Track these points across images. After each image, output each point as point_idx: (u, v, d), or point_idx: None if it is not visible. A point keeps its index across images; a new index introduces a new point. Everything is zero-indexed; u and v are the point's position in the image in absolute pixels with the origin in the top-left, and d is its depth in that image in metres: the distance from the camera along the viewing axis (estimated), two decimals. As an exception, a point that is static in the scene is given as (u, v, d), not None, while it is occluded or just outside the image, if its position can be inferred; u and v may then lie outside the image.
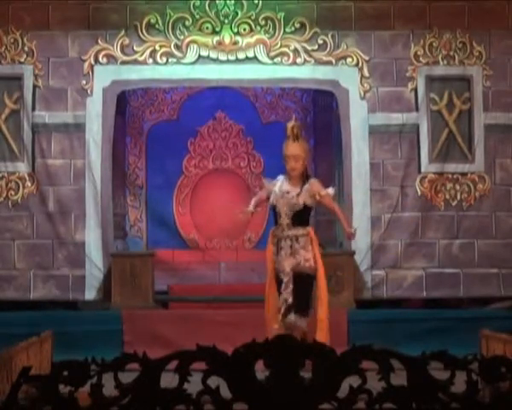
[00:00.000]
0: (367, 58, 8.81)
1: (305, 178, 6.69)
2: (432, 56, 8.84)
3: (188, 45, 8.80)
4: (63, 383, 3.04)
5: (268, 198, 6.76)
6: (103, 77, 8.75)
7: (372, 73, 8.82)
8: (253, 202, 6.86)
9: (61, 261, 8.67)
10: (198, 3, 8.82)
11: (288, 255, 6.53)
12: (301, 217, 6.62)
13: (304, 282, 6.55)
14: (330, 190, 6.73)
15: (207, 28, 8.82)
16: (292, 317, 6.48)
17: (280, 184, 6.64)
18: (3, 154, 8.73)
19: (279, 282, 6.60)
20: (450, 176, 8.83)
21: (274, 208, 6.65)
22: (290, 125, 6.69)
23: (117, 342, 7.85)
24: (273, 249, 6.63)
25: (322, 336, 6.36)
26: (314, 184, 6.69)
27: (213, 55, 8.81)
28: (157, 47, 8.79)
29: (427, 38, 8.83)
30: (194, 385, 3.07)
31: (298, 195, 6.56)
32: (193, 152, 10.46)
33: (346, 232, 6.81)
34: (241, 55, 8.81)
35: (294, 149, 6.63)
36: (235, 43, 8.80)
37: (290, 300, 6.46)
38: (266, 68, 8.83)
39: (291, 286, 6.48)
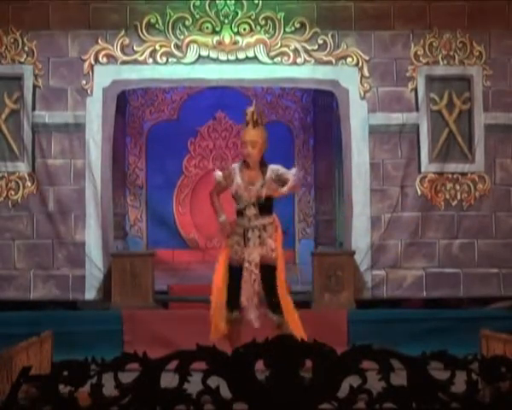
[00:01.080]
0: (367, 58, 8.81)
1: (263, 166, 6.60)
2: (432, 56, 8.84)
3: (188, 45, 8.80)
4: (63, 383, 3.04)
5: (223, 190, 6.66)
6: (103, 77, 8.75)
7: (372, 72, 8.82)
8: (218, 209, 6.71)
9: (61, 261, 8.67)
10: (198, 3, 8.82)
11: (256, 245, 6.47)
12: (267, 206, 6.57)
13: (270, 274, 6.48)
14: (293, 171, 6.68)
15: (207, 28, 8.82)
16: (273, 316, 6.45)
17: (239, 174, 6.53)
18: (3, 154, 8.72)
19: (236, 274, 6.48)
20: (450, 176, 8.83)
21: (238, 199, 6.53)
22: (250, 110, 6.64)
23: (117, 342, 7.85)
24: (237, 240, 6.53)
25: (295, 327, 6.35)
26: (274, 170, 6.60)
27: (213, 55, 8.81)
28: (157, 47, 8.79)
29: (427, 38, 8.83)
30: (194, 385, 3.07)
31: (262, 186, 6.50)
32: (193, 152, 10.47)
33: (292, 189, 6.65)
34: (241, 55, 8.81)
35: (252, 135, 6.57)
36: (235, 43, 8.80)
37: (252, 295, 6.40)
38: (266, 68, 8.83)
39: (254, 277, 6.41)
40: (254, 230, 6.48)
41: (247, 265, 6.45)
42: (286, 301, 6.55)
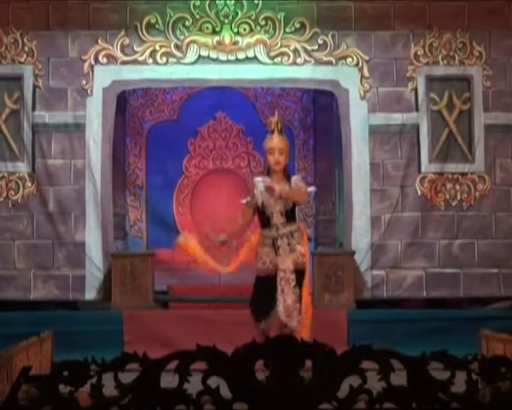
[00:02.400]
0: (367, 58, 8.81)
1: (286, 174, 6.60)
2: (432, 56, 8.84)
3: (188, 45, 8.80)
4: (63, 383, 3.05)
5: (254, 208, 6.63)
6: (103, 77, 8.76)
7: (372, 73, 8.82)
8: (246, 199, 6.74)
9: (61, 261, 8.67)
10: (198, 3, 8.82)
11: (287, 253, 6.46)
12: (292, 213, 6.58)
13: (299, 279, 6.48)
14: (310, 189, 6.75)
15: (207, 28, 8.82)
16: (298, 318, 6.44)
17: (263, 184, 6.49)
18: (3, 154, 8.73)
19: (263, 284, 6.48)
20: (450, 176, 8.83)
21: (263, 210, 6.52)
22: (275, 119, 6.59)
23: (117, 342, 7.85)
24: (267, 251, 6.52)
25: (305, 331, 6.34)
26: (298, 179, 6.63)
27: (213, 55, 8.81)
28: (157, 47, 8.79)
29: (427, 38, 8.83)
30: (194, 385, 3.07)
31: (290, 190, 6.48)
32: (193, 152, 10.46)
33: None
34: (241, 55, 8.81)
35: (280, 142, 6.52)
36: (235, 43, 8.81)
37: (296, 299, 6.39)
38: (266, 68, 8.83)
39: (293, 283, 6.41)
40: (283, 238, 6.48)
41: (282, 274, 6.40)
42: (307, 302, 6.55)
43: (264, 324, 6.44)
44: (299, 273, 6.47)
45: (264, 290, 6.46)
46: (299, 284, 6.45)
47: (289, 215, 6.52)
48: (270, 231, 6.50)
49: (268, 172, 6.60)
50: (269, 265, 6.47)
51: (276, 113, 6.79)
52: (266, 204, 6.48)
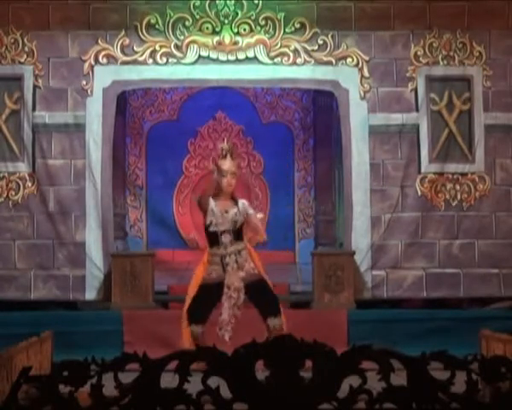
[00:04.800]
0: (367, 58, 8.81)
1: (233, 197, 6.86)
2: (432, 56, 8.84)
3: (188, 45, 8.80)
4: (63, 383, 3.04)
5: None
6: (103, 77, 8.76)
7: (372, 73, 8.82)
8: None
9: (61, 261, 8.67)
10: (198, 3, 8.82)
11: (235, 270, 6.69)
12: (240, 232, 6.79)
13: (261, 286, 6.69)
14: (260, 215, 7.02)
15: (207, 28, 8.82)
16: (274, 321, 6.55)
17: (213, 203, 6.73)
18: (4, 154, 8.73)
19: (206, 291, 6.66)
20: (450, 176, 8.83)
21: (214, 227, 6.71)
22: (226, 146, 6.89)
23: (117, 342, 7.85)
24: (215, 268, 6.71)
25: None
26: (245, 203, 6.90)
27: (213, 55, 8.81)
28: (157, 47, 8.79)
29: (427, 38, 8.83)
30: (194, 385, 3.07)
31: (236, 213, 6.73)
32: (193, 152, 10.47)
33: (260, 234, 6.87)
34: (241, 56, 8.81)
35: (233, 166, 6.80)
36: (235, 43, 8.80)
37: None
38: (266, 68, 8.83)
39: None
40: (231, 255, 6.71)
41: (226, 290, 6.67)
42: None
43: (195, 327, 6.63)
44: (256, 282, 6.66)
45: (205, 298, 6.70)
46: (260, 290, 6.66)
47: (236, 234, 6.75)
48: (218, 249, 6.73)
49: (216, 192, 6.80)
50: (215, 277, 6.71)
51: (226, 139, 6.96)
52: (215, 223, 6.65)
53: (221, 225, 6.69)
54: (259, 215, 7.02)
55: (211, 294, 6.69)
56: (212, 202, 6.74)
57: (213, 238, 6.75)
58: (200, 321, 6.64)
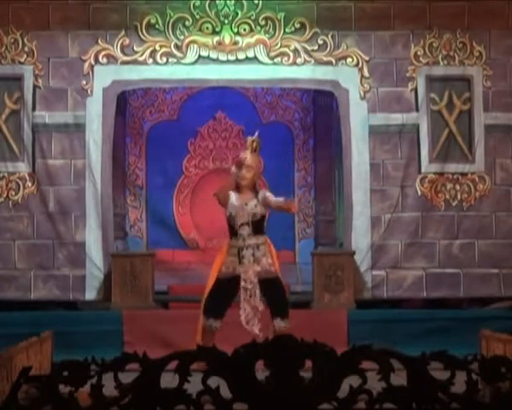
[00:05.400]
0: (367, 58, 8.81)
1: (254, 191, 6.76)
2: (432, 56, 8.84)
3: (188, 45, 8.80)
4: (63, 383, 3.04)
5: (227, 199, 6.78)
6: (103, 77, 8.76)
7: (372, 73, 8.82)
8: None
9: (61, 261, 8.67)
10: (198, 3, 8.82)
11: (251, 263, 6.62)
12: (260, 226, 6.74)
13: (275, 284, 6.63)
14: (281, 199, 6.83)
15: (207, 28, 8.82)
16: (280, 323, 6.52)
17: (234, 196, 6.69)
18: (4, 154, 8.73)
19: (222, 285, 6.62)
20: (450, 176, 8.84)
21: (232, 220, 6.68)
22: (251, 138, 6.79)
23: (117, 342, 7.85)
24: (232, 260, 6.66)
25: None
26: (265, 192, 6.81)
27: (213, 55, 8.81)
28: (157, 47, 8.79)
29: (427, 38, 8.83)
30: (194, 385, 3.07)
31: (256, 205, 6.66)
32: (193, 152, 10.46)
33: (289, 205, 6.77)
34: (241, 56, 8.81)
35: (249, 160, 6.71)
36: (235, 43, 8.81)
37: (261, 307, 6.53)
38: (266, 68, 8.83)
39: (258, 293, 6.54)
40: (248, 248, 6.66)
41: (243, 283, 6.60)
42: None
43: (213, 321, 6.56)
44: (270, 281, 6.60)
45: (222, 291, 6.63)
46: (273, 290, 6.59)
47: (256, 227, 6.68)
48: (236, 241, 6.67)
49: (237, 185, 6.74)
50: (231, 271, 6.64)
51: (257, 134, 6.85)
52: (234, 215, 6.63)
53: (240, 217, 6.63)
54: (281, 199, 6.78)
55: (227, 288, 6.62)
56: (233, 195, 6.69)
57: (233, 230, 6.70)
58: (217, 316, 6.58)
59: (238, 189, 6.75)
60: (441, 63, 8.85)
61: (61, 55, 8.77)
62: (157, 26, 8.80)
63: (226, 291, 6.64)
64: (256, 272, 6.59)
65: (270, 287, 6.61)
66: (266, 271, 6.62)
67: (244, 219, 6.64)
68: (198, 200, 10.39)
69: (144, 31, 8.78)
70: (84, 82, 8.75)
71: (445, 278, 8.72)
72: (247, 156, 6.71)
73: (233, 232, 6.70)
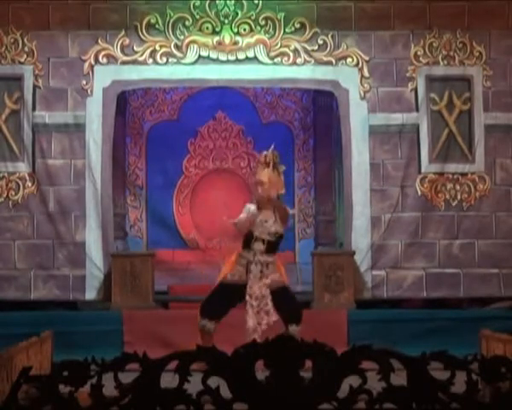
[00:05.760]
0: (367, 58, 8.81)
1: (273, 206, 6.75)
2: (432, 56, 8.84)
3: (188, 45, 8.81)
4: (63, 383, 3.04)
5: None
6: (103, 77, 8.76)
7: (372, 73, 8.82)
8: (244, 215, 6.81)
9: (61, 261, 8.68)
10: (198, 3, 8.82)
11: (257, 279, 6.64)
12: (275, 245, 6.76)
13: (285, 294, 6.67)
14: (292, 211, 6.98)
15: (207, 28, 8.82)
16: (295, 328, 6.52)
17: (255, 210, 6.69)
18: (4, 154, 8.73)
19: (225, 289, 6.65)
20: (450, 176, 8.84)
21: (250, 233, 6.68)
22: (264, 153, 6.80)
23: (117, 342, 7.85)
24: (239, 269, 6.67)
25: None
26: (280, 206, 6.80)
27: (213, 55, 8.81)
28: (157, 47, 8.79)
29: (427, 38, 8.83)
30: (194, 385, 3.07)
31: (274, 222, 6.67)
32: (193, 152, 10.47)
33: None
34: (241, 56, 8.81)
35: (261, 175, 6.73)
36: (235, 43, 8.81)
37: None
38: (266, 68, 8.83)
39: (270, 304, 6.56)
40: (257, 264, 6.66)
41: (247, 298, 6.64)
42: None
43: (207, 322, 6.60)
44: (284, 290, 6.65)
45: (223, 295, 6.68)
46: (284, 298, 6.62)
47: (271, 247, 6.69)
48: (248, 253, 6.69)
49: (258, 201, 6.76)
50: (237, 279, 6.67)
51: (272, 147, 6.82)
52: (255, 230, 6.65)
53: (257, 232, 6.64)
54: (292, 211, 6.94)
55: (229, 294, 6.65)
56: (255, 209, 6.69)
57: (247, 241, 6.71)
58: (212, 317, 6.60)
59: (259, 202, 6.75)
60: (441, 63, 8.86)
61: (61, 55, 8.77)
62: (157, 26, 8.80)
63: (228, 297, 6.65)
64: (267, 285, 6.59)
65: (281, 296, 6.62)
66: (275, 281, 6.64)
67: (261, 235, 6.65)
68: (198, 200, 10.40)
69: (144, 31, 8.78)
70: (84, 82, 8.75)
71: (445, 278, 8.72)
72: (259, 172, 6.73)
73: (246, 244, 6.71)
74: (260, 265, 6.64)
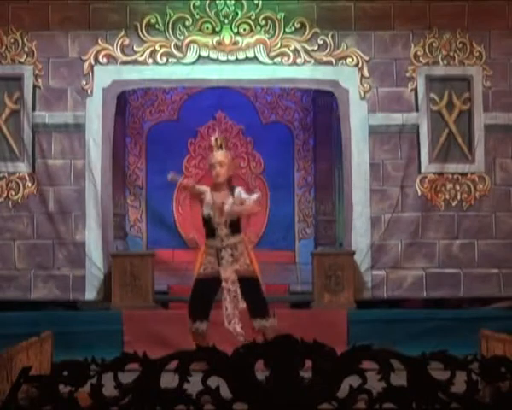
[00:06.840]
0: (367, 58, 8.81)
1: (230, 187, 6.74)
2: (432, 56, 8.84)
3: (188, 45, 8.80)
4: (63, 383, 3.04)
5: (201, 196, 6.76)
6: (103, 77, 8.76)
7: (372, 73, 8.82)
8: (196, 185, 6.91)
9: (61, 261, 8.67)
10: (198, 3, 8.82)
11: (229, 263, 6.62)
12: (237, 225, 6.73)
13: (251, 285, 6.64)
14: (255, 196, 6.82)
15: (207, 28, 8.82)
16: (263, 322, 6.51)
17: (210, 196, 6.68)
18: (4, 154, 8.73)
19: (202, 286, 6.63)
20: (450, 176, 8.83)
21: (209, 220, 6.68)
22: (213, 137, 6.87)
23: (117, 342, 7.85)
24: (210, 260, 6.66)
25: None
26: (241, 190, 6.78)
27: (213, 55, 8.81)
28: (157, 47, 8.79)
29: (427, 38, 8.83)
30: (194, 385, 3.07)
31: (233, 204, 6.64)
32: (193, 152, 10.46)
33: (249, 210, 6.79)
34: (241, 56, 8.81)
35: (218, 156, 6.72)
36: (235, 43, 8.81)
37: (243, 305, 6.55)
38: (266, 68, 8.83)
39: (239, 291, 6.56)
40: (227, 249, 6.65)
41: (223, 284, 6.62)
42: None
43: (199, 324, 6.60)
44: (249, 281, 6.62)
45: (202, 292, 6.66)
46: (252, 289, 6.61)
47: (234, 227, 6.68)
48: (214, 241, 6.67)
49: (213, 184, 6.76)
50: (211, 271, 6.64)
51: (217, 131, 6.88)
52: (212, 216, 6.61)
53: (218, 217, 6.63)
54: (255, 196, 6.83)
55: (207, 289, 6.64)
56: (208, 194, 6.70)
57: (209, 230, 6.70)
58: (202, 317, 6.61)
59: (214, 187, 6.74)
60: (441, 63, 8.85)
61: (61, 55, 8.77)
62: (157, 26, 8.80)
63: (206, 292, 6.65)
64: (235, 271, 6.59)
65: (249, 287, 6.62)
66: (245, 270, 6.64)
67: (222, 219, 6.64)
68: (198, 200, 10.37)
69: (144, 31, 8.78)
70: (84, 82, 8.75)
71: (445, 278, 8.72)
72: (215, 154, 6.72)
73: (210, 232, 6.70)
74: (230, 248, 6.64)
